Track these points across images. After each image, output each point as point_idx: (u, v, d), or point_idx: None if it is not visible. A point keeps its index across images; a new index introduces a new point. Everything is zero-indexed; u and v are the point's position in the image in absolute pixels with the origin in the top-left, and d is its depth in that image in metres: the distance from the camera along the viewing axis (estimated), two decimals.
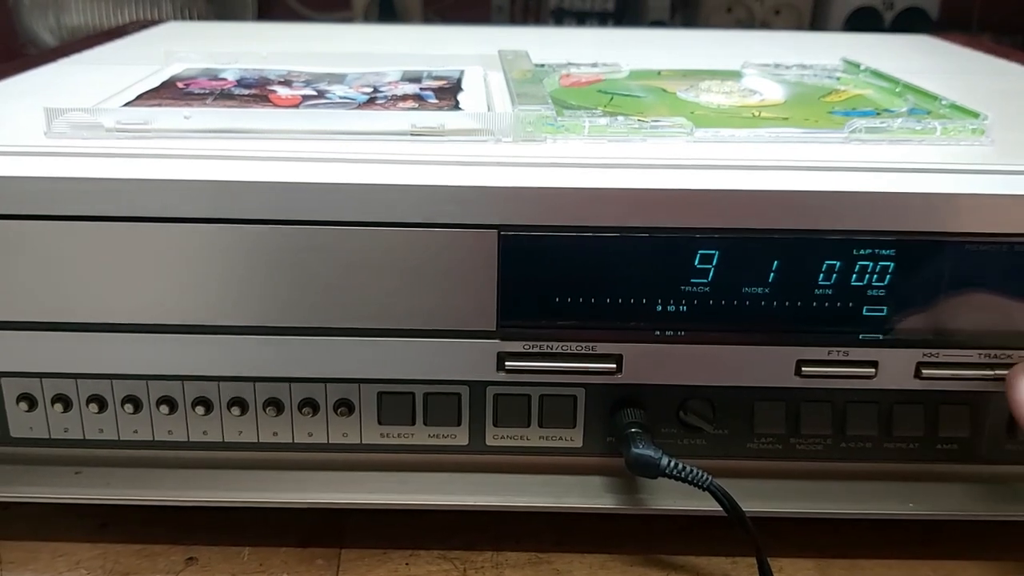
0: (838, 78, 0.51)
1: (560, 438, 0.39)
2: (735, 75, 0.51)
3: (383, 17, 1.14)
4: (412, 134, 0.38)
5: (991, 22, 1.21)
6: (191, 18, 1.08)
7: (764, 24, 1.17)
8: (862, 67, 0.52)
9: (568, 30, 0.85)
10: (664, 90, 0.48)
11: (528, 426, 0.38)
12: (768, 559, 0.36)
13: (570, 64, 0.52)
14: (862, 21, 1.16)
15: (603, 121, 0.39)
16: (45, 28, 1.08)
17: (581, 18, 1.16)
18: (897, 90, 0.47)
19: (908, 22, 1.15)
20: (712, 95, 0.46)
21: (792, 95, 0.47)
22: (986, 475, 0.39)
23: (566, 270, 0.35)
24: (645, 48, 0.67)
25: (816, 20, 1.19)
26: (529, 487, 0.39)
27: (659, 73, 0.52)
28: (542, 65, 0.52)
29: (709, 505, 0.36)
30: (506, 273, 0.35)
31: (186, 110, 0.39)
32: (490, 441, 0.39)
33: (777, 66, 0.53)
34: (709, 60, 0.57)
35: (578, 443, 0.39)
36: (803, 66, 0.53)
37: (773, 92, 0.48)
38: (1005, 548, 0.40)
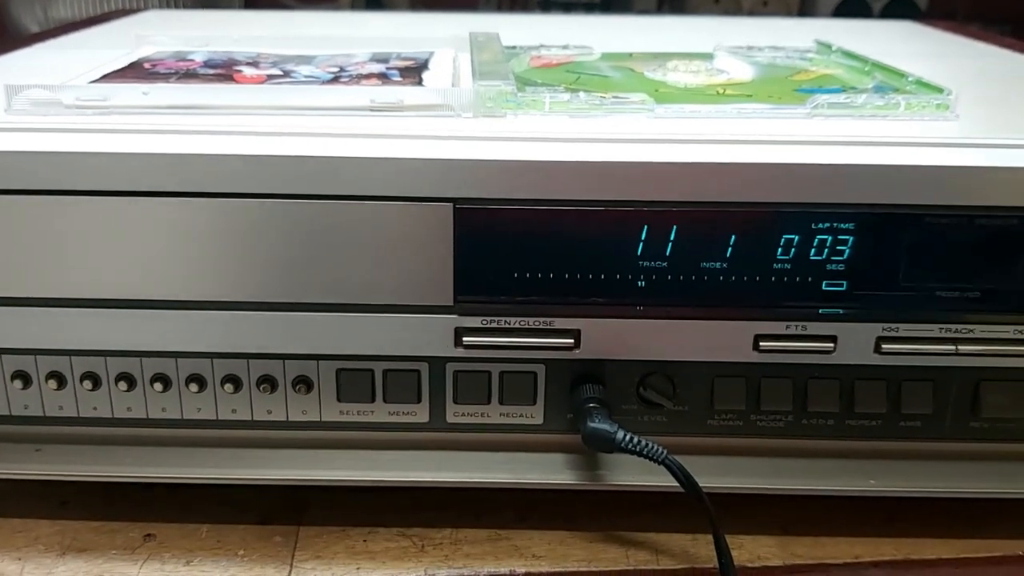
0: (809, 59, 0.51)
1: (521, 415, 0.39)
2: (706, 56, 0.51)
3: (370, 6, 1.14)
4: (371, 109, 0.38)
5: (979, 12, 1.20)
6: (177, 7, 1.08)
7: (752, 15, 1.17)
8: (834, 48, 0.52)
9: (552, 17, 0.85)
10: (633, 70, 0.48)
11: (489, 403, 0.38)
12: (730, 536, 0.36)
13: (541, 46, 0.52)
14: (850, 11, 1.15)
15: (564, 97, 0.39)
16: (33, 20, 1.08)
17: (567, 9, 1.16)
18: (866, 69, 0.47)
19: (896, 12, 1.15)
20: (679, 74, 0.46)
21: (760, 75, 0.47)
22: (949, 452, 0.39)
23: (522, 244, 0.35)
24: (627, 34, 0.67)
25: (804, 10, 1.19)
26: (490, 464, 0.39)
27: (631, 55, 0.52)
28: (514, 47, 0.52)
29: (669, 482, 0.36)
30: (462, 247, 0.35)
31: (144, 86, 0.39)
32: (451, 418, 0.39)
33: (750, 48, 0.53)
34: (688, 45, 0.56)
35: (539, 420, 0.39)
36: (775, 48, 0.53)
37: (742, 72, 0.48)
38: (968, 525, 0.40)
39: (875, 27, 0.73)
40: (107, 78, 0.43)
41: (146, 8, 0.93)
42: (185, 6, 1.08)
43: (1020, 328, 0.36)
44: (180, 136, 0.35)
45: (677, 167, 0.34)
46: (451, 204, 0.35)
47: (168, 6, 1.06)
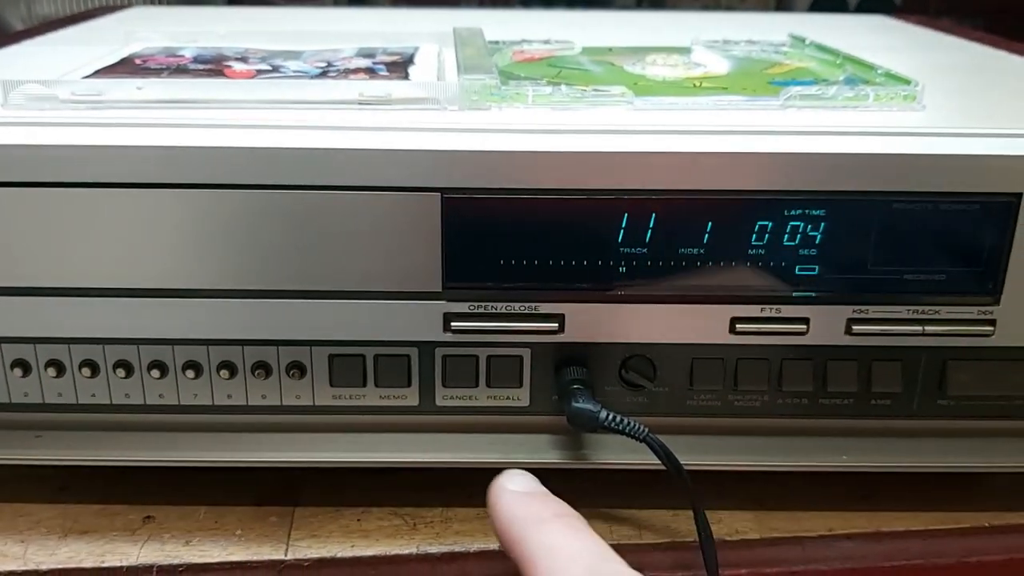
0: (784, 53, 0.53)
1: (507, 397, 0.40)
2: (684, 51, 0.53)
3: (353, 2, 1.15)
4: (360, 103, 0.39)
5: (951, 6, 1.23)
6: (162, 4, 1.08)
7: (730, 10, 1.19)
8: (807, 42, 0.53)
9: (532, 12, 0.86)
10: (613, 64, 0.49)
11: (476, 386, 0.40)
12: (709, 511, 0.38)
13: (523, 41, 0.54)
14: (827, 5, 1.17)
15: (547, 90, 0.40)
16: (16, 17, 1.09)
17: (549, 3, 1.17)
18: (838, 62, 0.49)
19: (872, 6, 1.17)
20: (657, 68, 0.48)
21: (736, 68, 0.49)
22: (918, 429, 0.41)
23: (508, 232, 0.37)
24: (606, 29, 0.68)
25: (782, 5, 1.21)
26: (478, 445, 0.41)
27: (611, 49, 0.53)
28: (496, 42, 0.53)
29: (650, 460, 0.37)
30: (450, 236, 0.37)
31: (138, 81, 0.40)
32: (440, 401, 0.40)
33: (726, 42, 0.55)
34: (666, 39, 0.58)
35: (525, 402, 0.40)
36: (751, 42, 0.55)
37: (718, 65, 0.49)
38: (936, 499, 0.42)
39: (849, 22, 0.75)
40: (99, 73, 0.44)
41: (130, 5, 0.94)
42: (170, 2, 1.09)
43: (984, 309, 0.38)
44: (174, 129, 0.36)
45: (656, 157, 0.36)
46: (439, 194, 0.36)
47: (152, 2, 1.06)
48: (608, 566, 0.29)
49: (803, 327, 0.38)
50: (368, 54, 0.49)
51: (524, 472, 0.34)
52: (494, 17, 0.75)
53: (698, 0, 1.20)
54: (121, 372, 0.39)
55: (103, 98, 0.39)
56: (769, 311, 0.38)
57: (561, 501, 0.32)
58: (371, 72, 0.45)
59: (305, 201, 0.36)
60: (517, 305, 0.38)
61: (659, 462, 0.37)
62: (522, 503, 0.32)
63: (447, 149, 0.35)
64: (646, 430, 0.36)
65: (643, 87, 0.44)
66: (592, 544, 0.30)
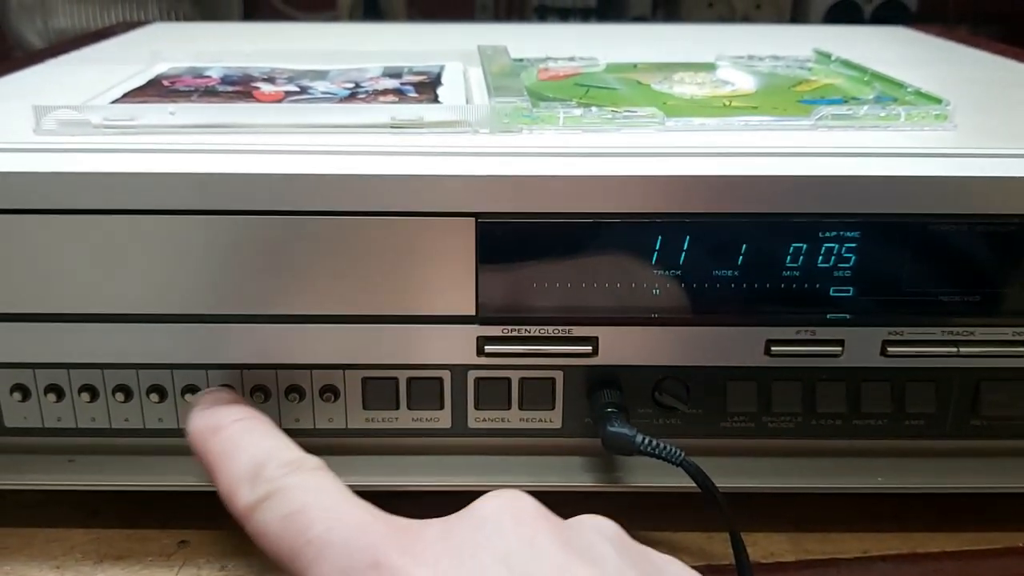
0: (809, 68, 0.53)
1: (540, 420, 0.40)
2: (709, 67, 0.53)
3: (368, 16, 1.15)
4: (392, 126, 0.40)
5: (968, 14, 1.22)
6: (177, 20, 1.09)
7: (745, 18, 1.19)
8: (833, 57, 0.53)
9: (550, 26, 0.86)
10: (639, 82, 0.49)
11: (509, 408, 0.40)
12: (743, 533, 0.37)
13: (548, 58, 0.54)
14: (842, 14, 1.17)
15: (577, 112, 0.40)
16: (33, 31, 1.09)
17: (564, 15, 1.17)
18: (865, 79, 0.48)
19: (887, 15, 1.17)
20: (685, 86, 0.48)
21: (763, 85, 0.49)
22: (952, 450, 0.41)
23: (542, 256, 0.37)
24: (626, 43, 0.68)
25: (796, 14, 1.21)
26: (510, 468, 0.41)
27: (635, 66, 0.53)
28: (521, 60, 0.53)
29: (684, 482, 0.37)
30: (484, 259, 0.37)
31: (171, 106, 0.40)
32: (472, 424, 0.40)
33: (751, 58, 0.55)
34: (687, 53, 0.58)
35: (557, 424, 0.40)
36: (776, 57, 0.55)
37: (745, 83, 0.49)
38: (970, 519, 0.41)
39: (867, 33, 0.74)
40: (129, 96, 0.45)
41: (147, 20, 0.94)
42: (185, 17, 1.09)
43: (1018, 330, 0.38)
44: (208, 156, 0.36)
45: (689, 180, 0.36)
46: (473, 218, 0.36)
47: (168, 18, 1.07)
48: (278, 454, 0.29)
49: (838, 349, 0.38)
50: (394, 74, 0.50)
51: (218, 388, 0.34)
52: (513, 32, 0.75)
53: (713, 9, 1.19)
54: (154, 397, 0.39)
55: (136, 123, 0.39)
56: (804, 333, 0.38)
57: (245, 406, 0.33)
58: (400, 93, 0.45)
59: (339, 226, 0.36)
60: (551, 328, 0.38)
61: (692, 484, 0.37)
62: (202, 417, 0.33)
63: (481, 174, 0.35)
64: (682, 454, 0.36)
65: (672, 107, 0.44)
66: (261, 439, 0.30)
